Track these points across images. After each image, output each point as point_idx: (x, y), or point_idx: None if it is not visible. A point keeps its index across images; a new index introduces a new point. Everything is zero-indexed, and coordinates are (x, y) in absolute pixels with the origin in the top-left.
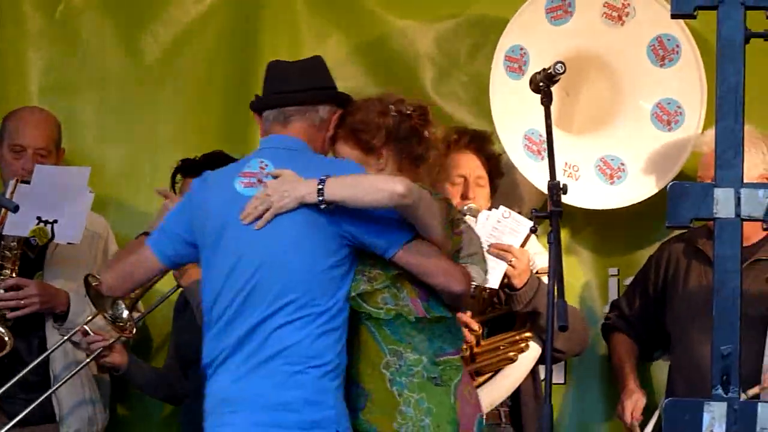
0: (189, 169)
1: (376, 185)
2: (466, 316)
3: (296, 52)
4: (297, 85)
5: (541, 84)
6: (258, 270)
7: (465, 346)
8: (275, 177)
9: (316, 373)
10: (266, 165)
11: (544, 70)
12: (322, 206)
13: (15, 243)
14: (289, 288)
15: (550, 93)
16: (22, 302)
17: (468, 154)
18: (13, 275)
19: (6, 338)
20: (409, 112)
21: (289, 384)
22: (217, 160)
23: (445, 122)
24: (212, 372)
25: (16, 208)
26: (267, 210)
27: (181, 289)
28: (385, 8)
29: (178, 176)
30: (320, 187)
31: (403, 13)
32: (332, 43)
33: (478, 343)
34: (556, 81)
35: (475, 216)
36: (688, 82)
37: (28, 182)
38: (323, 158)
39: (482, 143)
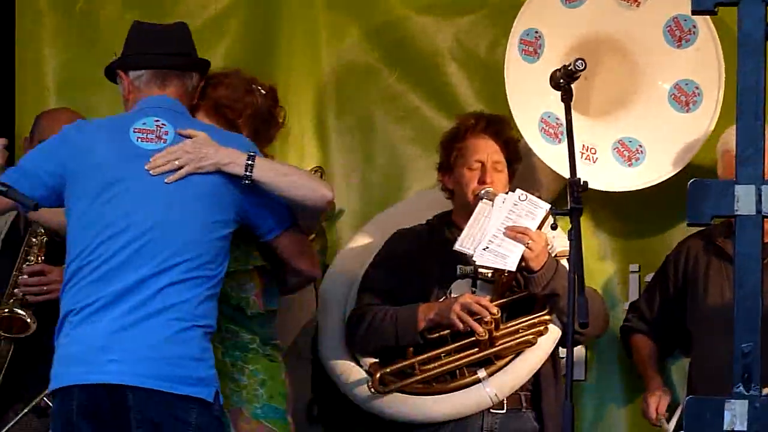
0: None
1: (311, 184)
2: (484, 300)
3: (314, 48)
4: (173, 49)
5: (561, 81)
6: (154, 227)
7: (483, 330)
8: (187, 137)
9: (201, 332)
10: (164, 124)
11: (564, 67)
12: (245, 181)
13: (42, 230)
14: (184, 249)
15: (571, 90)
16: (45, 288)
17: (485, 139)
18: (39, 261)
19: (29, 320)
20: (265, 92)
21: (178, 339)
22: None
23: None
24: (79, 320)
25: (36, 206)
26: (180, 167)
27: None
28: (405, 4)
29: None
30: (250, 162)
31: (422, 8)
32: (349, 38)
33: (497, 327)
34: (577, 78)
35: (491, 200)
36: (706, 63)
37: None
38: (215, 127)
39: (500, 128)
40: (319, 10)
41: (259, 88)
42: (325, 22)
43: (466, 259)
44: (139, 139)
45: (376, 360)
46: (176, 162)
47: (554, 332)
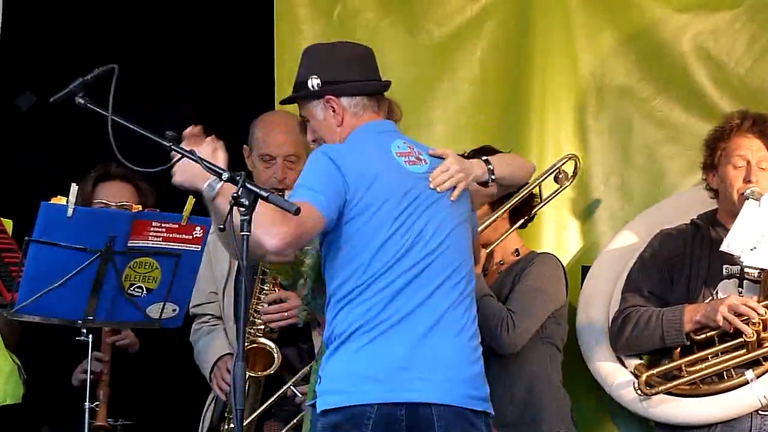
0: None
1: (525, 165)
2: (752, 301)
3: (569, 49)
4: (377, 74)
5: None
6: (440, 246)
7: (751, 332)
8: (437, 156)
9: (480, 349)
10: (412, 145)
11: None
12: (489, 185)
13: None
14: (463, 265)
15: None
16: (286, 314)
17: (750, 138)
18: (275, 290)
19: (275, 354)
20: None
21: (473, 358)
22: (482, 154)
23: (719, 118)
24: (369, 338)
25: (298, 211)
26: (456, 183)
27: None
28: (660, 3)
29: None
30: (490, 167)
31: (678, 4)
32: (604, 38)
33: (765, 328)
34: None
35: (757, 199)
36: None
37: (282, 191)
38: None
39: (765, 127)
40: (572, 11)
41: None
42: (580, 23)
43: (732, 259)
44: (406, 163)
45: (641, 361)
46: (453, 180)
47: None
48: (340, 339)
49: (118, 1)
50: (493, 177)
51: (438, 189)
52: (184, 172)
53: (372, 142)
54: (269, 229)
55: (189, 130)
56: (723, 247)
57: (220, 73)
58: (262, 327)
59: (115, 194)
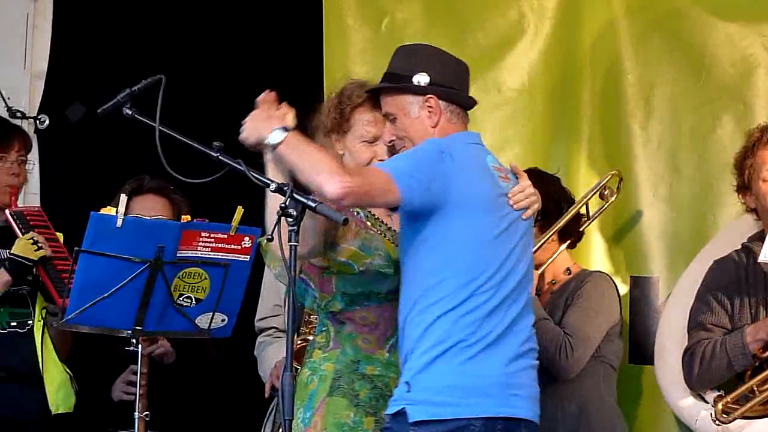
0: None
1: None
2: None
3: (617, 57)
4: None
5: None
6: (527, 263)
7: None
8: (517, 173)
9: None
10: (500, 162)
11: None
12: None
13: None
14: (528, 283)
15: None
16: None
17: None
18: None
19: None
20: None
21: (536, 376)
22: (531, 178)
23: None
24: (471, 353)
25: (346, 221)
26: (531, 204)
27: None
28: (707, 10)
29: None
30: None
31: (726, 14)
32: (652, 46)
33: None
34: None
35: None
36: None
37: None
38: None
39: None
40: (619, 20)
41: None
42: (627, 31)
43: None
44: (500, 179)
45: (720, 392)
46: (528, 200)
47: None
48: (440, 349)
49: (168, 14)
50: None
51: (515, 206)
52: (251, 125)
53: (473, 151)
54: (333, 176)
55: (263, 96)
56: (760, 259)
57: (269, 83)
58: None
59: (149, 208)
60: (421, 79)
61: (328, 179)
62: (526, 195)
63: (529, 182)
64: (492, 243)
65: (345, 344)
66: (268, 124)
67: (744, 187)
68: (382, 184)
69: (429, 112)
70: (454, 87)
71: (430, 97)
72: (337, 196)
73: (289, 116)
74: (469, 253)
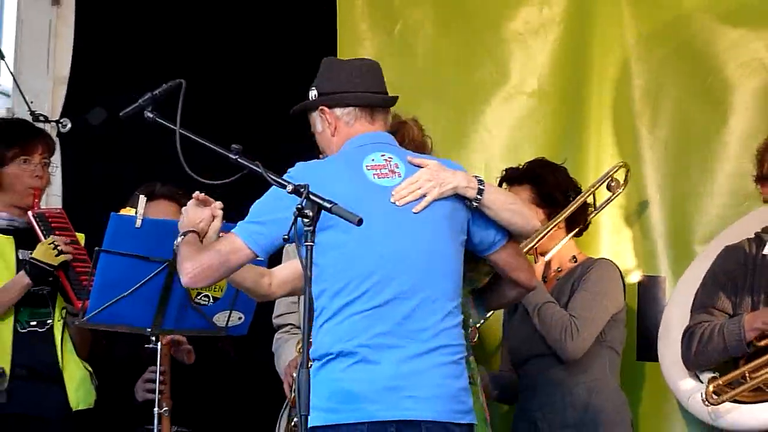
0: (513, 178)
1: (527, 213)
2: None
3: (624, 61)
4: (378, 86)
5: None
6: (413, 258)
7: None
8: (419, 166)
9: (464, 362)
10: (391, 157)
11: None
12: (474, 204)
13: None
14: (444, 279)
15: None
16: None
17: None
18: None
19: None
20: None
21: (456, 372)
22: (538, 167)
23: None
24: (356, 359)
25: (360, 222)
26: (424, 195)
27: None
28: (711, 14)
29: (504, 184)
30: (481, 187)
31: (729, 19)
32: (657, 52)
33: None
34: None
35: None
36: None
37: None
38: (429, 156)
39: None
40: (627, 28)
41: (413, 119)
42: (634, 35)
43: None
44: (375, 176)
45: (715, 374)
46: (419, 191)
47: None
48: (325, 359)
49: (186, 21)
50: (479, 197)
51: (398, 203)
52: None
53: (343, 157)
54: (181, 271)
55: (196, 194)
56: (766, 251)
57: (283, 89)
58: None
59: (161, 212)
60: (311, 93)
61: (180, 274)
62: (411, 189)
63: (425, 173)
64: (358, 247)
65: None
66: (186, 222)
67: (762, 178)
68: (228, 248)
69: (328, 123)
70: (346, 90)
71: (323, 108)
72: (188, 284)
73: (203, 224)
74: (334, 263)
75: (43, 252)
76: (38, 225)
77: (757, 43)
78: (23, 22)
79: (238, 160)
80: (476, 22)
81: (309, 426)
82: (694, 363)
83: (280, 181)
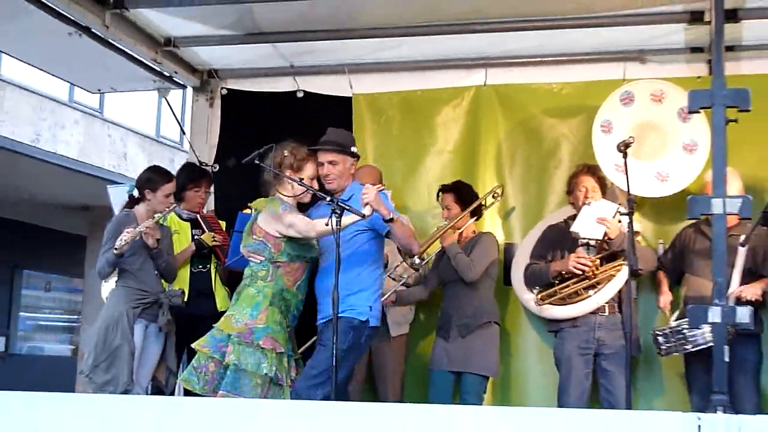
0: (445, 190)
1: (411, 240)
2: (583, 258)
3: (498, 136)
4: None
5: (621, 148)
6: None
7: (588, 271)
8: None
9: None
10: None
11: (623, 141)
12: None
13: None
14: None
15: (626, 153)
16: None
17: (585, 175)
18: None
19: None
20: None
21: None
22: (458, 184)
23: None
24: None
25: (363, 216)
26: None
27: None
28: (538, 106)
29: (440, 193)
30: (391, 216)
31: (556, 115)
32: (514, 132)
33: (597, 269)
34: (629, 146)
35: (590, 204)
36: (700, 129)
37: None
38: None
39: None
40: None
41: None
42: (495, 120)
43: (578, 235)
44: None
45: (540, 289)
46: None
47: (625, 271)
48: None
49: (272, 119)
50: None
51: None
52: (376, 201)
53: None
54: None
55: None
56: (572, 229)
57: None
58: None
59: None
60: (354, 150)
61: (414, 244)
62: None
63: (366, 193)
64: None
65: (278, 279)
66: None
67: (569, 192)
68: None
69: (352, 166)
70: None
71: (355, 161)
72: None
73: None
74: None
75: (206, 237)
76: (203, 221)
77: (563, 127)
78: (194, 113)
79: (339, 203)
80: (421, 114)
81: None
82: (529, 284)
83: (354, 212)
